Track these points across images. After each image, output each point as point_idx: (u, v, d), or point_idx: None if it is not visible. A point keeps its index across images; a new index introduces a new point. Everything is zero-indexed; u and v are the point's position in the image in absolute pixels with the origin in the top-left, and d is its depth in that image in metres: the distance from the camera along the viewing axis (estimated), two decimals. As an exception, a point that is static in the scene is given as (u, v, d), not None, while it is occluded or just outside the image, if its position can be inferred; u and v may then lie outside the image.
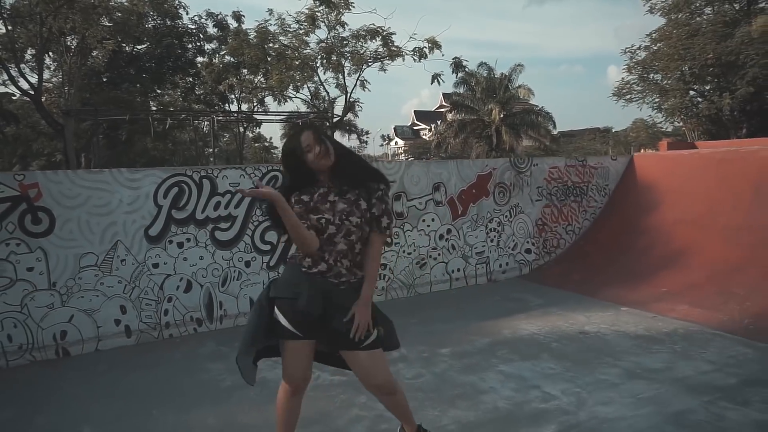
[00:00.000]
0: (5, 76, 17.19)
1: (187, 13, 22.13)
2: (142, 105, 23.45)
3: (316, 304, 2.31)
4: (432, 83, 18.34)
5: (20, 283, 4.31)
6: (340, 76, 20.27)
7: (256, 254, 5.24)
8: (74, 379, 4.05)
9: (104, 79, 22.40)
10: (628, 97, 23.56)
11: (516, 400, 3.41)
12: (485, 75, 30.45)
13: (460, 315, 5.32)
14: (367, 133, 32.25)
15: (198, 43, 24.35)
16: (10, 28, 16.70)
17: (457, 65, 19.11)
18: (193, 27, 23.71)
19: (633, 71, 23.01)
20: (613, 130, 43.51)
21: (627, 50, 23.07)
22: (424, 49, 18.00)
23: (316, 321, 2.33)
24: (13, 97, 23.84)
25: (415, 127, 60.52)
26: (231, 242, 5.12)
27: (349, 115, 22.48)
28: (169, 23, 23.21)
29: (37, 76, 16.62)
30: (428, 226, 6.13)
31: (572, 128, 46.41)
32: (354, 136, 30.90)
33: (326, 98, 21.36)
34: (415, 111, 62.54)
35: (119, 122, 20.36)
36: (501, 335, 4.68)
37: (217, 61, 23.78)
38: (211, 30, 24.12)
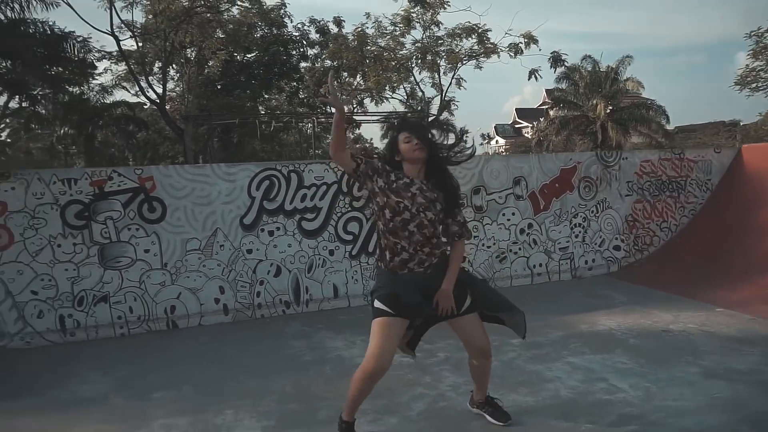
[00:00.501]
0: (137, 88, 19.36)
1: (291, 22, 23.37)
2: (251, 110, 25.22)
3: (410, 296, 2.60)
4: (529, 79, 17.91)
5: (139, 262, 4.99)
6: (436, 75, 20.42)
7: (339, 243, 5.59)
8: (180, 347, 4.62)
9: (219, 87, 24.40)
10: (753, 85, 21.36)
11: (579, 390, 3.41)
12: (589, 69, 29.02)
13: (537, 309, 5.25)
14: (466, 132, 32.04)
15: (301, 49, 25.70)
16: (141, 44, 18.78)
17: (556, 59, 18.46)
18: (296, 34, 25.07)
19: (760, 57, 20.82)
20: (741, 123, 39.38)
21: (752, 34, 20.94)
22: (520, 44, 17.64)
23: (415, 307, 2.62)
24: (145, 107, 26.73)
25: (516, 125, 59.05)
26: (316, 232, 5.51)
27: (446, 114, 22.56)
28: (275, 32, 24.74)
29: (161, 87, 18.52)
30: (508, 220, 6.14)
31: (692, 122, 42.66)
32: (452, 135, 30.85)
33: (422, 98, 21.62)
34: (516, 109, 61.03)
35: (231, 126, 22.10)
36: (576, 329, 4.62)
37: (318, 65, 24.95)
38: (314, 36, 25.35)
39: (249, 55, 24.99)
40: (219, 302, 5.23)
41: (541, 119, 39.26)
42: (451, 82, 20.08)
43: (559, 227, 6.35)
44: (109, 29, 15.59)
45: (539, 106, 51.48)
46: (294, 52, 25.82)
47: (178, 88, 24.15)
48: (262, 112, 26.11)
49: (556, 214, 6.32)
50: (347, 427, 2.78)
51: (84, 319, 4.83)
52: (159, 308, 5.05)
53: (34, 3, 17.29)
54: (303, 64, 25.74)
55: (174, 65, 21.61)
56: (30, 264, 4.67)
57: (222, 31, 20.96)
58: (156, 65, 21.69)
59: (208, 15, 18.12)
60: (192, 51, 21.65)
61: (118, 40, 16.05)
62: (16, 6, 17.37)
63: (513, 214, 6.15)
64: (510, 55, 18.03)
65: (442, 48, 19.22)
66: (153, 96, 18.70)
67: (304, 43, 25.65)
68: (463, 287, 2.74)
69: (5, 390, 3.79)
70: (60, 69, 20.37)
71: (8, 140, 37.25)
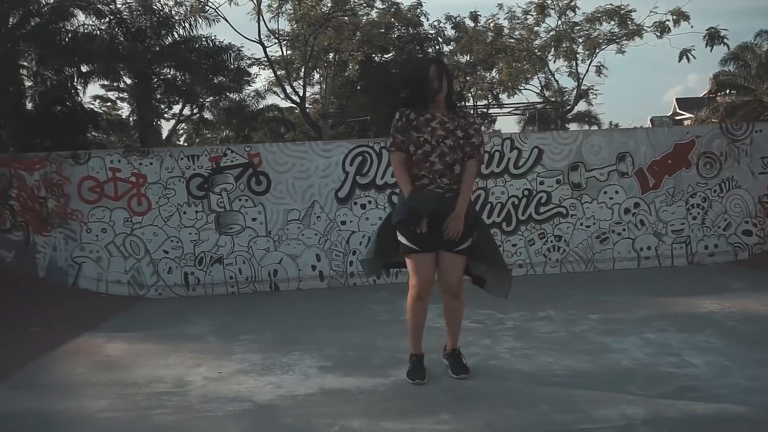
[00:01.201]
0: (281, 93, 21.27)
1: (427, 20, 23.76)
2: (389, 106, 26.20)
3: (426, 206, 2.80)
4: (680, 60, 16.15)
5: (248, 230, 5.64)
6: (573, 64, 19.41)
7: (428, 218, 5.73)
8: (276, 305, 5.17)
9: (358, 87, 25.73)
10: None
11: (643, 362, 3.19)
12: (765, 48, 25.23)
13: (634, 290, 4.94)
14: (616, 125, 29.89)
15: (437, 47, 26.03)
16: (286, 51, 20.61)
17: (712, 37, 16.42)
18: (432, 32, 25.46)
19: None
20: None
21: None
22: (667, 22, 16.03)
23: (429, 230, 2.77)
24: (296, 110, 29.19)
25: (677, 116, 53.31)
26: (406, 206, 5.72)
27: (586, 104, 21.31)
28: (411, 31, 25.38)
29: (302, 90, 20.13)
30: (611, 198, 5.76)
31: None
32: (595, 127, 28.99)
33: (558, 88, 20.67)
34: (677, 99, 55.04)
35: (367, 124, 23.20)
36: (668, 309, 4.25)
37: (452, 61, 25.07)
38: (449, 32, 25.52)
39: (386, 56, 26.00)
40: (315, 269, 5.70)
41: (704, 108, 35.02)
42: (588, 70, 18.95)
43: (672, 207, 5.79)
44: (257, 38, 17.36)
45: (705, 95, 45.91)
46: (430, 50, 26.28)
47: (321, 90, 26.00)
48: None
49: (668, 194, 5.78)
50: (416, 359, 3.05)
51: (203, 276, 5.60)
52: (263, 271, 5.65)
53: (200, 21, 19.83)
54: (438, 61, 26.03)
55: (317, 69, 23.32)
56: (162, 227, 5.54)
57: (359, 33, 22.12)
58: (302, 70, 23.63)
59: (345, 18, 19.27)
60: (334, 55, 23.20)
61: (265, 48, 17.82)
62: (186, 25, 20.03)
63: (616, 192, 5.76)
64: (656, 35, 16.49)
65: (580, 34, 18.22)
66: (298, 99, 20.42)
67: (440, 40, 25.97)
68: (470, 229, 2.85)
69: (137, 326, 4.60)
70: (222, 78, 23.08)
71: (185, 144, 42.76)
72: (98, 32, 19.03)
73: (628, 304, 4.42)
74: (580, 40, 18.18)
